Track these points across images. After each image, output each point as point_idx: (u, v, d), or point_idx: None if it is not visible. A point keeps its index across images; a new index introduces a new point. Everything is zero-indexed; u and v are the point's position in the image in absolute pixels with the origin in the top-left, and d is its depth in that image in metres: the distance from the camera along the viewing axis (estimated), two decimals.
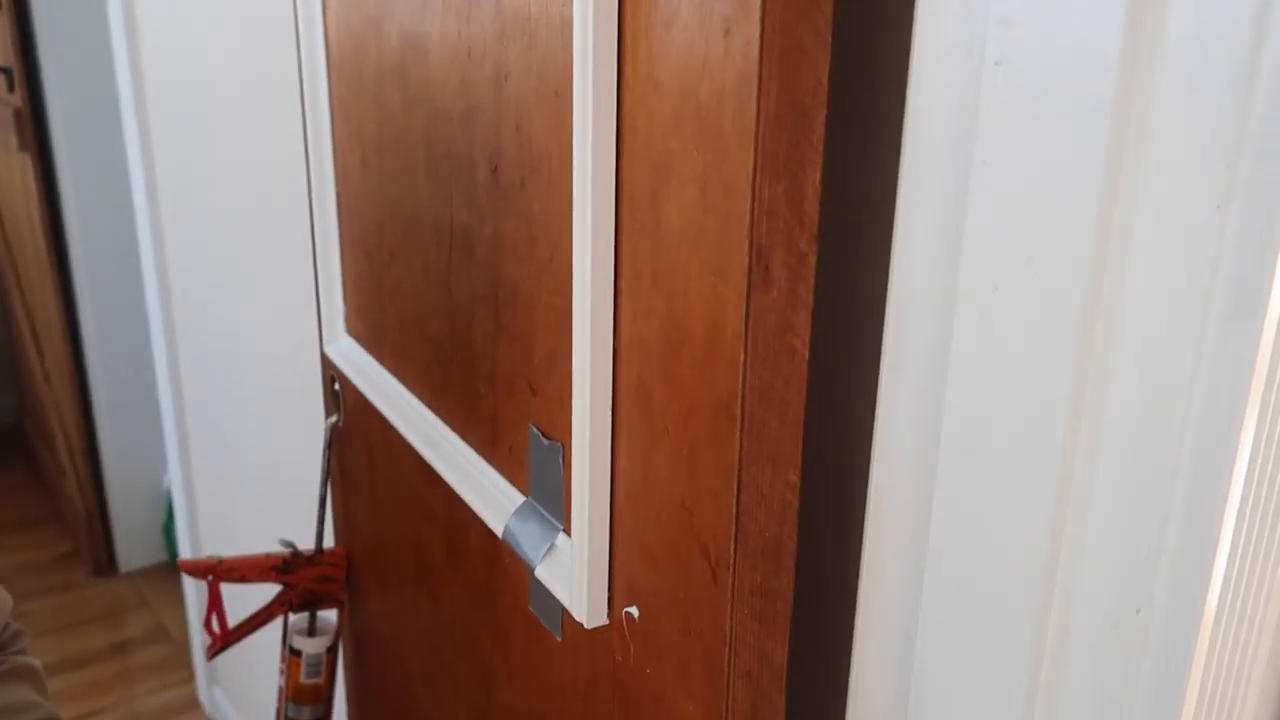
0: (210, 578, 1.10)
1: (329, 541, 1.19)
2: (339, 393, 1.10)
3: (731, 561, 0.47)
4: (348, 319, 1.03)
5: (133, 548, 2.45)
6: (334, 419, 1.11)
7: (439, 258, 0.78)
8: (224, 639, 1.12)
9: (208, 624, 1.13)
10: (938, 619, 0.44)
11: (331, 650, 1.15)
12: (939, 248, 0.41)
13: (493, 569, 0.76)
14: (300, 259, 1.28)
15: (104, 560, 2.44)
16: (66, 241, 2.29)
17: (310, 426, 1.35)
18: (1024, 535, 0.41)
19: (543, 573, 0.62)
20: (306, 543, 1.16)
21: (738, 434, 0.46)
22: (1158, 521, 0.38)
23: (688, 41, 0.45)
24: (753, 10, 0.41)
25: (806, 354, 0.46)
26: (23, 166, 2.29)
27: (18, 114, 2.21)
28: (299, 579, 1.13)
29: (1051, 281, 0.38)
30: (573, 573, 0.58)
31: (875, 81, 0.44)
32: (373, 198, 0.90)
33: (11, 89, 2.22)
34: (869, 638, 0.48)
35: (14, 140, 2.25)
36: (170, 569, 2.45)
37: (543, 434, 0.64)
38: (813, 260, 0.45)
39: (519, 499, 0.69)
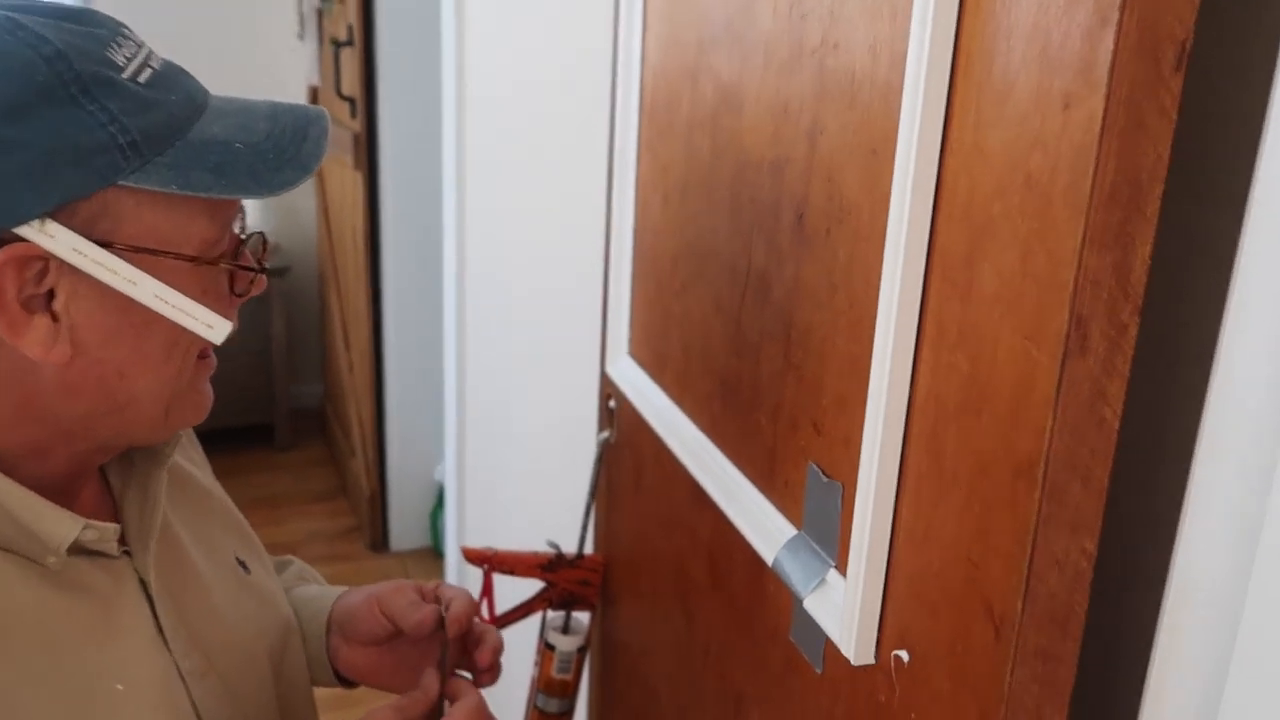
0: (486, 567, 1.21)
1: (588, 548, 1.27)
2: (613, 410, 1.18)
3: (1017, 622, 0.48)
4: (631, 343, 1.10)
5: (404, 530, 2.70)
6: (606, 435, 1.19)
7: (732, 295, 0.82)
8: (491, 623, 1.23)
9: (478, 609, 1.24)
10: (1243, 711, 0.43)
11: (582, 650, 1.23)
12: (1277, 326, 0.40)
13: (755, 595, 0.79)
14: (586, 283, 1.38)
15: (379, 538, 2.71)
16: (381, 251, 2.59)
17: (576, 440, 1.45)
18: None
19: (811, 605, 0.65)
20: (566, 548, 1.24)
21: (1037, 497, 0.46)
22: None
23: (1021, 114, 0.47)
24: (1098, 87, 0.42)
25: (1117, 424, 0.46)
26: (354, 182, 2.62)
27: (356, 138, 2.53)
28: (560, 579, 1.22)
29: None
30: (845, 610, 0.60)
31: (1217, 157, 0.43)
32: (670, 234, 0.97)
33: (354, 116, 2.54)
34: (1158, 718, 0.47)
35: (350, 159, 2.57)
36: (432, 554, 2.68)
37: (823, 472, 0.67)
38: (1133, 331, 0.45)
39: (789, 530, 0.72)
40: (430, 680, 0.73)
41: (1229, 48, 0.44)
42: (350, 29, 2.51)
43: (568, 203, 1.46)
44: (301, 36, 2.89)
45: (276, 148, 0.58)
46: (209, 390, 0.64)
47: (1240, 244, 0.43)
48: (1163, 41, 0.42)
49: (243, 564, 0.75)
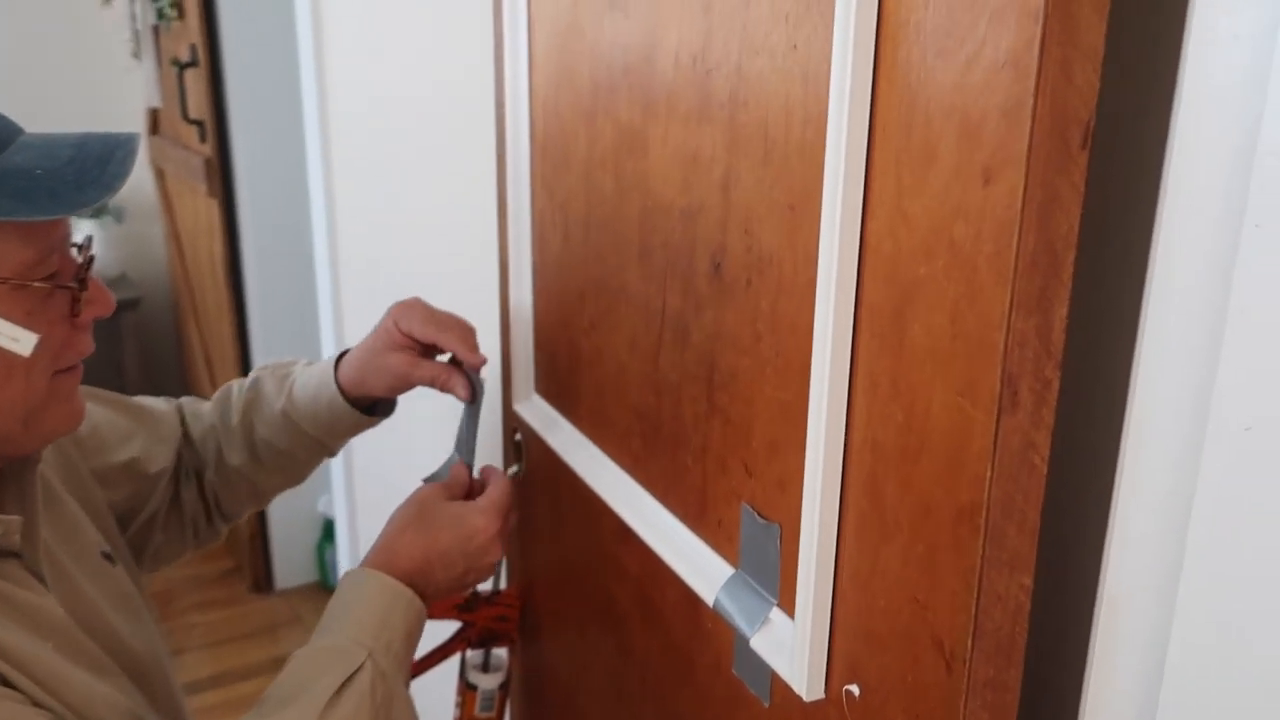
0: None
1: (503, 582, 1.27)
2: (520, 444, 1.17)
3: (968, 656, 0.51)
4: (537, 379, 1.10)
5: (289, 567, 2.61)
6: (516, 469, 1.19)
7: (647, 336, 0.84)
8: (413, 670, 1.20)
9: None
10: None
11: (504, 687, 1.22)
12: (1188, 385, 0.45)
13: (691, 629, 0.81)
14: (476, 309, 1.37)
15: (263, 578, 2.60)
16: (244, 280, 2.48)
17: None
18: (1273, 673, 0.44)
19: (758, 644, 0.67)
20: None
21: (980, 542, 0.50)
22: None
23: (943, 184, 0.50)
24: (1018, 164, 0.46)
25: (1045, 469, 0.50)
26: (208, 209, 2.49)
27: (207, 163, 2.41)
28: (478, 617, 1.21)
29: None
30: (794, 649, 0.63)
31: (1123, 225, 0.48)
32: (574, 271, 0.97)
33: (203, 140, 2.42)
34: None
35: (203, 186, 2.45)
36: (320, 589, 2.60)
37: (758, 513, 0.69)
38: (1056, 385, 0.49)
39: (725, 569, 0.74)
40: (460, 467, 0.93)
41: (1124, 128, 0.49)
42: (194, 48, 2.39)
43: (451, 225, 1.44)
44: (138, 55, 2.72)
45: (78, 171, 0.62)
46: (78, 399, 0.70)
47: (1144, 299, 0.47)
48: (1070, 123, 0.45)
49: (108, 556, 0.80)
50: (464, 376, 0.95)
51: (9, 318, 0.62)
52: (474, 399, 0.97)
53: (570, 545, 1.06)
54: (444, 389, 0.95)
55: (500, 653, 1.24)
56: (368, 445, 1.94)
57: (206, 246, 2.57)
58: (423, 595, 0.81)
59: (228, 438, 1.00)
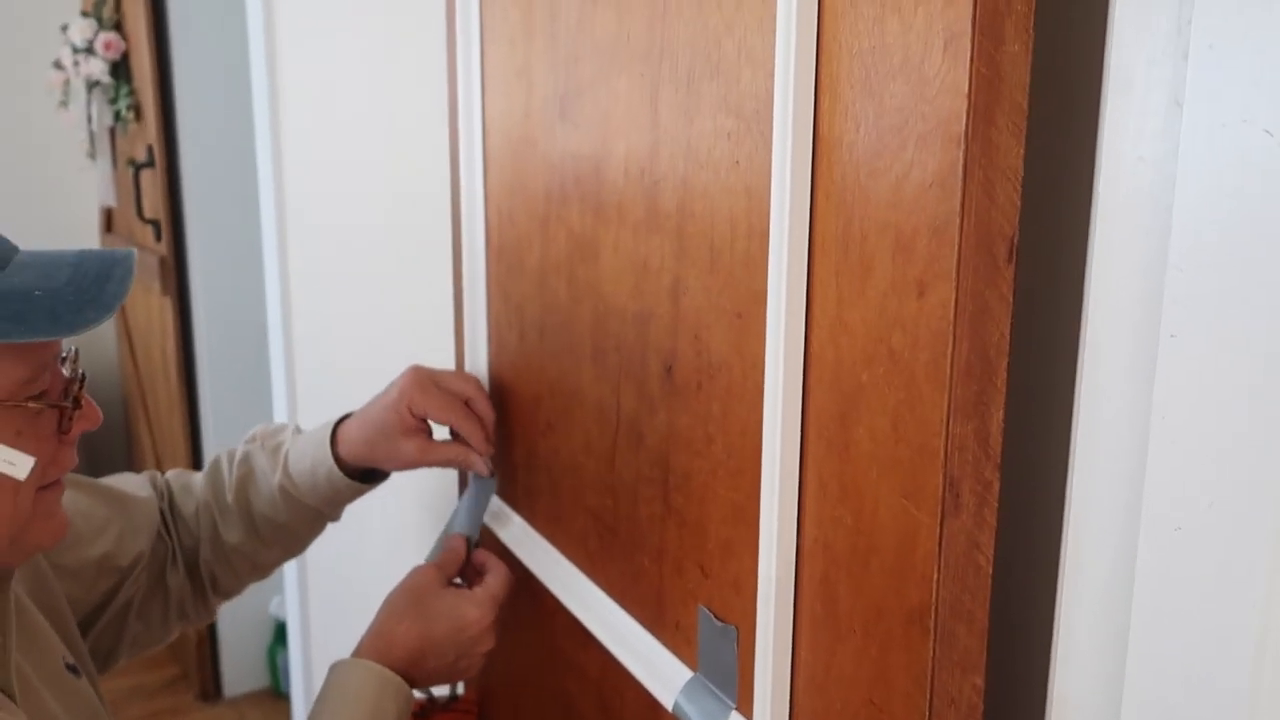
0: None
1: (460, 686, 1.24)
2: (476, 542, 1.16)
3: None
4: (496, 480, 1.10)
5: (238, 674, 2.52)
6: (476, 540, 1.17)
7: (602, 437, 0.85)
8: None
9: None
10: None
11: None
12: (1120, 486, 0.46)
13: None
14: None
15: (210, 685, 2.51)
16: (197, 379, 2.46)
17: None
18: None
19: None
20: (435, 689, 1.20)
21: (931, 643, 0.51)
22: None
23: (880, 296, 0.52)
24: (948, 277, 0.48)
25: (990, 569, 0.51)
26: (161, 308, 2.48)
27: (162, 261, 2.41)
28: None
29: (1234, 525, 0.43)
30: None
31: (1054, 331, 0.50)
32: (530, 372, 0.98)
33: (159, 239, 2.43)
34: None
35: (157, 285, 2.44)
36: (272, 695, 2.51)
37: (715, 615, 0.69)
38: (996, 487, 0.50)
39: (684, 672, 0.74)
40: (456, 541, 0.94)
41: (1045, 241, 0.52)
42: (150, 149, 2.41)
43: (407, 326, 1.45)
44: (93, 156, 2.74)
45: (77, 290, 0.62)
46: (62, 514, 0.70)
47: (1075, 404, 0.49)
48: (996, 239, 0.48)
49: (72, 668, 0.78)
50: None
51: (2, 439, 0.62)
52: (491, 474, 0.99)
53: (528, 648, 1.04)
54: (464, 467, 0.97)
55: None
56: (322, 545, 1.90)
57: (159, 345, 2.55)
58: (413, 683, 0.83)
59: (223, 515, 0.98)
